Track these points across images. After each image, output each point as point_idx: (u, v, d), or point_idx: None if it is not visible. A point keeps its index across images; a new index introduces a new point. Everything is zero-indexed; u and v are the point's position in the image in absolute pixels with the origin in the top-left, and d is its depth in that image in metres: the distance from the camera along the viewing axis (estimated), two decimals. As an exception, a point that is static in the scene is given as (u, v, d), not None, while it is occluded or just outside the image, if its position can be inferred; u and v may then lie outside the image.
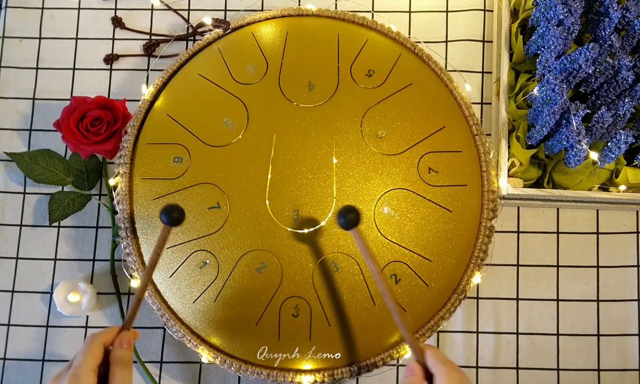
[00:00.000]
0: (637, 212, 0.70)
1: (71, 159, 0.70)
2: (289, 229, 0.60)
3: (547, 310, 0.68)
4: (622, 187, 0.65)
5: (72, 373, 0.45)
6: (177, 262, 0.60)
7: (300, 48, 0.66)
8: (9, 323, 0.69)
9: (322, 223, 0.60)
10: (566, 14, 0.59)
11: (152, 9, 0.76)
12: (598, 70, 0.60)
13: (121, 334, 0.50)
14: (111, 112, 0.66)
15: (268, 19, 0.68)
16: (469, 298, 0.68)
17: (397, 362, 0.67)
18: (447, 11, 0.75)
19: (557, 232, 0.70)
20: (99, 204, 0.71)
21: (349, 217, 0.53)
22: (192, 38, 0.75)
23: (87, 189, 0.70)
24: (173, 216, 0.53)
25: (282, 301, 0.59)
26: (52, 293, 0.68)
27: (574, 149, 0.59)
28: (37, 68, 0.75)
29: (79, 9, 0.76)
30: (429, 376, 0.49)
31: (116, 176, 0.62)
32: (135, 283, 0.60)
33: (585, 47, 0.57)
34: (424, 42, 0.73)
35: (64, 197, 0.69)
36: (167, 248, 0.60)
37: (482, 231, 0.60)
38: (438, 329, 0.59)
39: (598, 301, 0.69)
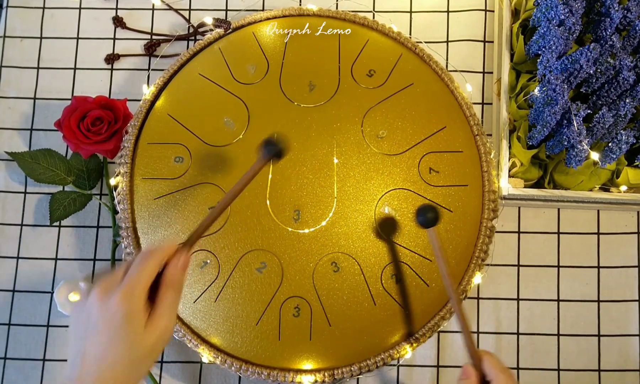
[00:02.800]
0: (638, 212, 0.70)
1: (72, 159, 0.70)
2: (290, 229, 0.60)
3: (548, 310, 0.68)
4: (623, 188, 0.65)
5: (126, 289, 0.42)
6: (178, 262, 0.60)
7: (301, 48, 0.66)
8: (10, 323, 0.69)
9: (323, 223, 0.60)
10: (567, 14, 0.59)
11: (153, 9, 0.76)
12: (599, 70, 0.60)
13: (180, 255, 0.45)
14: (112, 112, 0.66)
15: (269, 18, 0.68)
16: (469, 298, 0.68)
17: (398, 362, 0.67)
18: (448, 11, 0.75)
19: (558, 233, 0.70)
20: (100, 204, 0.71)
21: (429, 216, 0.53)
22: (193, 38, 0.75)
23: (88, 188, 0.70)
24: (278, 148, 0.51)
25: (283, 301, 0.59)
26: (53, 292, 0.68)
27: (575, 150, 0.59)
28: (38, 68, 0.75)
29: (79, 8, 0.76)
30: (483, 382, 0.48)
31: (117, 175, 0.62)
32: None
33: (587, 47, 0.57)
34: (425, 42, 0.73)
35: (64, 196, 0.69)
36: (168, 248, 0.60)
37: (482, 231, 0.60)
38: (438, 329, 0.59)
39: (599, 301, 0.69)
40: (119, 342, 0.41)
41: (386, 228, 0.60)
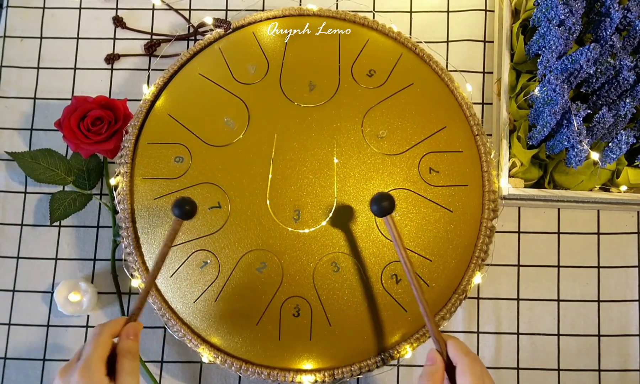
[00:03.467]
0: (638, 212, 0.70)
1: (72, 159, 0.70)
2: (290, 229, 0.60)
3: (548, 310, 0.68)
4: (623, 188, 0.65)
5: (83, 365, 0.45)
6: (178, 261, 0.60)
7: (301, 48, 0.66)
8: (10, 322, 0.69)
9: (323, 223, 0.60)
10: (567, 14, 0.59)
11: (153, 9, 0.76)
12: (599, 70, 0.60)
13: (128, 326, 0.49)
14: (112, 112, 0.66)
15: (269, 18, 0.68)
16: (469, 298, 0.68)
17: (398, 362, 0.67)
18: (448, 11, 0.75)
19: (558, 233, 0.70)
20: (100, 204, 0.71)
21: (384, 205, 0.53)
22: (193, 38, 0.75)
23: (88, 188, 0.70)
24: (185, 209, 0.53)
25: (283, 300, 0.59)
26: (53, 292, 0.68)
27: (575, 150, 0.59)
28: (38, 68, 0.75)
29: (80, 8, 0.76)
30: (449, 366, 0.49)
31: (117, 175, 0.62)
32: (136, 282, 0.60)
33: (587, 47, 0.57)
34: (425, 42, 0.73)
35: (64, 196, 0.69)
36: (168, 248, 0.60)
37: (482, 231, 0.60)
38: (439, 329, 0.59)
39: (599, 301, 0.69)
40: None
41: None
